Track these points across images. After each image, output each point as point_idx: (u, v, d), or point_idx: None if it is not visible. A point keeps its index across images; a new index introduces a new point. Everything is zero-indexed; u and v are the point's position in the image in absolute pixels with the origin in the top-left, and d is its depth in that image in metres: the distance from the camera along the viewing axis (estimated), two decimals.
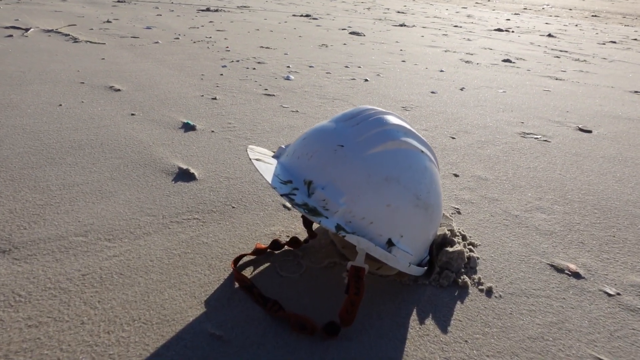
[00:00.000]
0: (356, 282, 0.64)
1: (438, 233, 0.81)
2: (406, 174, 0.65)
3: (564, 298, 0.75)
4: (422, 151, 0.69)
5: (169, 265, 0.75)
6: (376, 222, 0.63)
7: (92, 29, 3.15)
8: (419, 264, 0.71)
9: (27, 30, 2.88)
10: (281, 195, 0.61)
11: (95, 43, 2.67)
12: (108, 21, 3.56)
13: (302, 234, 0.87)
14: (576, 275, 0.81)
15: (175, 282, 0.72)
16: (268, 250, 0.81)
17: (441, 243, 0.80)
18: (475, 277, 0.77)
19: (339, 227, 0.61)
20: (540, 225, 0.97)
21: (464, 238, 0.87)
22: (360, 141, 0.65)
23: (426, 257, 0.73)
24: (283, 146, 0.75)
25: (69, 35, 2.85)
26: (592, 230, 0.97)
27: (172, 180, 1.05)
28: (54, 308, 0.65)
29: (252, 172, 1.12)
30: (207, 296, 0.69)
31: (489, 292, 0.75)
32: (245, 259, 0.79)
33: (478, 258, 0.83)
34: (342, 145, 0.65)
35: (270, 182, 0.62)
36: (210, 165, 1.14)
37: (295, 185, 0.65)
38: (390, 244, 0.64)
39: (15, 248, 0.77)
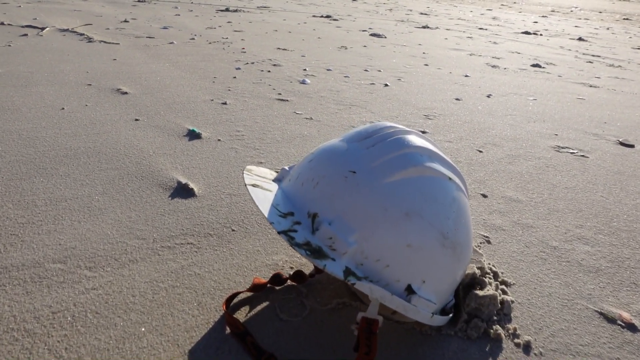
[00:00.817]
0: (367, 337, 0.53)
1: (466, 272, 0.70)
2: (431, 208, 0.53)
3: (618, 358, 0.62)
4: (450, 178, 0.57)
5: (153, 303, 0.65)
6: (394, 265, 0.52)
7: (108, 29, 3.10)
8: (443, 310, 0.60)
9: (42, 29, 2.85)
10: (278, 233, 0.51)
11: (109, 43, 2.62)
12: (125, 21, 3.52)
13: (308, 266, 0.77)
14: (631, 327, 0.68)
15: (158, 324, 0.62)
16: (268, 285, 0.70)
17: (469, 284, 0.69)
18: (510, 327, 0.65)
19: (347, 272, 0.50)
20: (583, 260, 0.84)
21: (495, 276, 0.75)
22: (376, 166, 0.54)
23: (451, 301, 0.62)
24: (287, 167, 0.65)
25: (83, 34, 2.80)
26: None
27: (169, 197, 0.96)
28: (12, 356, 0.55)
29: None
30: (192, 344, 0.59)
31: (526, 348, 0.62)
32: (241, 295, 0.68)
33: (513, 302, 0.71)
34: (354, 172, 0.54)
35: (266, 216, 0.51)
36: (212, 180, 1.04)
37: (298, 218, 0.54)
38: (410, 291, 0.53)
39: None
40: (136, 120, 1.40)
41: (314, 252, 0.50)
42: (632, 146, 1.51)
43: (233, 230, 0.85)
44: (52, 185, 0.97)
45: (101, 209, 0.89)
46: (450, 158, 1.25)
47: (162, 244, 0.79)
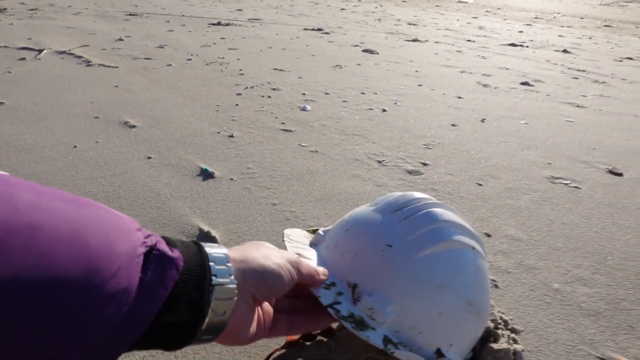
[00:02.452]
0: None
1: None
2: (459, 280, 0.60)
3: None
4: (473, 247, 0.64)
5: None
6: (426, 332, 0.58)
7: (104, 49, 3.13)
8: None
9: (40, 52, 2.86)
10: (325, 306, 0.57)
11: (108, 67, 2.65)
12: (120, 39, 3.54)
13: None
14: None
15: None
16: (300, 341, 0.76)
17: (484, 337, 0.75)
18: None
19: (386, 340, 0.56)
20: (584, 302, 0.92)
21: (506, 324, 0.82)
22: (410, 241, 0.61)
23: (470, 354, 0.68)
24: (321, 232, 0.71)
25: (81, 57, 2.82)
26: (639, 309, 0.91)
27: None
28: None
29: (275, 234, 1.07)
30: None
31: None
32: (275, 353, 0.74)
33: (523, 351, 0.77)
34: (391, 246, 0.60)
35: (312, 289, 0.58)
36: (232, 225, 1.10)
37: (339, 288, 0.60)
38: (439, 354, 0.59)
39: None
40: (149, 158, 1.44)
41: (358, 324, 0.56)
42: (620, 175, 1.59)
43: None
44: None
45: None
46: (452, 193, 1.32)
47: None
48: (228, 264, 0.42)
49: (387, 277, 0.58)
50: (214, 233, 1.05)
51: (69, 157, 1.41)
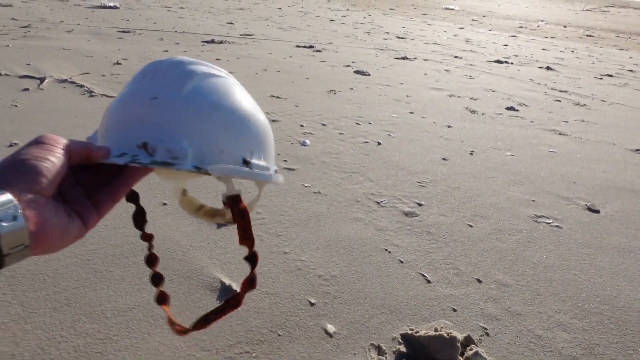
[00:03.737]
0: (239, 209, 0.59)
1: None
2: (227, 98, 0.62)
3: None
4: (226, 76, 0.64)
5: None
6: (225, 148, 0.59)
7: (104, 75, 3.21)
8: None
9: (42, 81, 2.93)
10: (126, 163, 0.54)
11: (110, 97, 2.73)
12: (118, 63, 3.62)
13: None
14: None
15: None
16: None
17: None
18: None
19: (196, 167, 0.55)
20: (563, 348, 1.05)
21: None
22: (170, 84, 0.60)
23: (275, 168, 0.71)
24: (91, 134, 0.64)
25: (83, 86, 2.90)
26: (611, 354, 1.05)
27: (217, 299, 1.12)
28: None
29: (288, 285, 1.19)
30: None
31: None
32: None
33: None
34: (156, 97, 0.59)
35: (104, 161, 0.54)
36: None
37: (132, 153, 0.56)
38: (246, 163, 0.60)
39: None
40: (164, 204, 1.54)
41: (162, 164, 0.55)
42: (598, 212, 1.74)
43: (279, 335, 1.02)
44: (113, 292, 1.11)
45: (163, 317, 1.04)
46: (445, 237, 1.45)
47: (225, 355, 0.96)
48: None
49: (168, 121, 0.58)
50: (235, 287, 1.16)
51: None
